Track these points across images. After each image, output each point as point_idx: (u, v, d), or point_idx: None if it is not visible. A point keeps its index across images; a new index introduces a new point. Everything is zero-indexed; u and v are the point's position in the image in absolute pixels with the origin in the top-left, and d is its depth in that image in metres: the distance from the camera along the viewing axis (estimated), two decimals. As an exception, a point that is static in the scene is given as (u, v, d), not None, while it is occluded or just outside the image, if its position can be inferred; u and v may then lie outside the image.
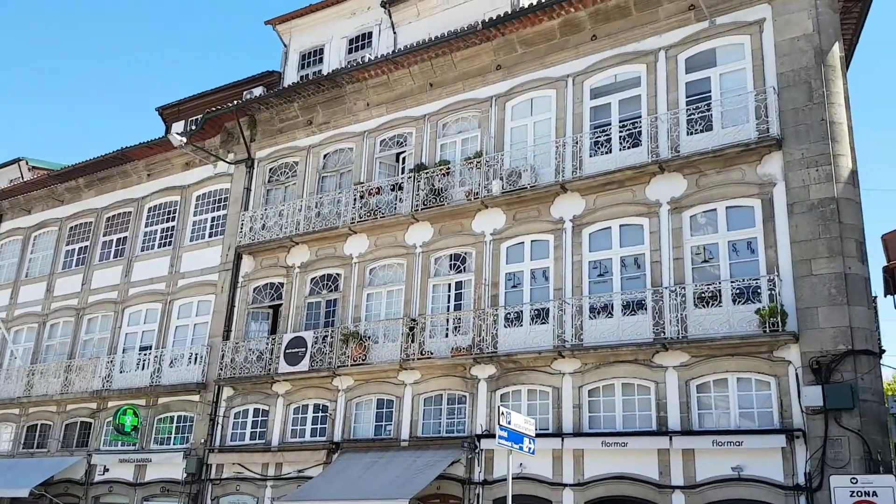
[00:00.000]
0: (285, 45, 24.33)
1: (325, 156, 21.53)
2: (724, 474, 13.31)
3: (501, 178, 17.36)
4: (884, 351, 13.69)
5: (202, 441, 20.21)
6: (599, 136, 16.62)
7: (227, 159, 23.10)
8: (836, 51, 14.89)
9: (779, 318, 13.32)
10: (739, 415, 13.64)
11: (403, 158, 20.21)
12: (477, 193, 17.67)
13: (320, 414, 18.75)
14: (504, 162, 17.76)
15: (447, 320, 17.52)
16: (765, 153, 14.48)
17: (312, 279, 20.32)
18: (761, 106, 14.70)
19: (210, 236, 22.87)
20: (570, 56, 17.70)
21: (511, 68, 18.55)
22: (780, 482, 12.86)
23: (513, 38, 18.31)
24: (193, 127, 23.41)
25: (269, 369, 19.48)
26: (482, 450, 15.91)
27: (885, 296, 38.07)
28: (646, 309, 14.81)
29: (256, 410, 19.89)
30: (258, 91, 22.98)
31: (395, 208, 19.09)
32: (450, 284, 17.97)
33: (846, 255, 13.45)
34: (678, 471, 13.76)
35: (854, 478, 11.81)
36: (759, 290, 13.86)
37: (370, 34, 22.64)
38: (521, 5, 19.36)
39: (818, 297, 13.35)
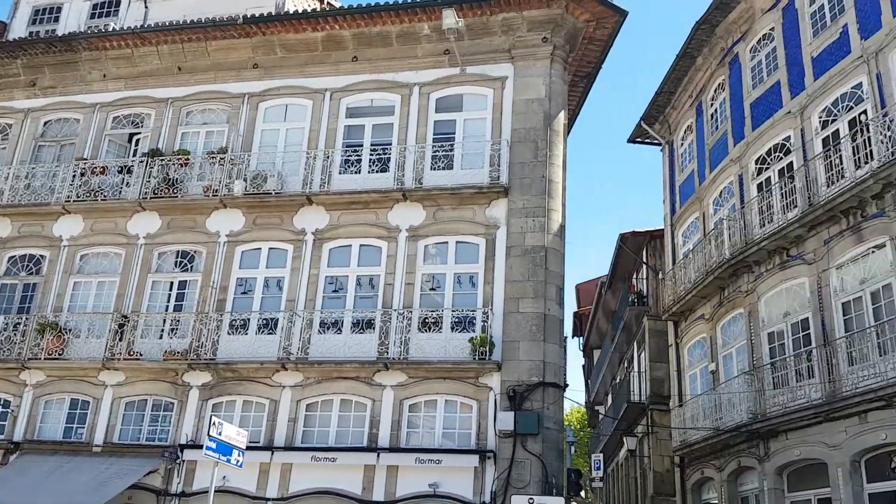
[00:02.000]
0: (15, -6, 21.33)
1: (45, 123, 19.20)
2: (422, 490, 14.07)
3: (245, 179, 16.86)
4: (567, 385, 15.56)
5: None
6: (351, 155, 16.92)
7: (-85, 105, 19.54)
8: (562, 118, 16.83)
9: (487, 348, 14.53)
10: (443, 434, 14.59)
11: (137, 140, 18.76)
12: (217, 191, 16.95)
13: (0, 409, 16.44)
14: (250, 163, 17.29)
15: (164, 321, 16.46)
16: (493, 198, 15.82)
17: (10, 258, 17.88)
18: (495, 155, 16.06)
19: None
20: (330, 71, 17.84)
21: (269, 69, 18.20)
22: (469, 499, 13.92)
23: (274, 40, 18.01)
24: None
25: (-63, 356, 16.69)
26: (184, 461, 15.12)
27: (573, 337, 43.46)
28: (374, 328, 15.29)
29: (-88, 403, 16.88)
30: (-29, 36, 19.83)
31: (121, 192, 17.59)
32: (172, 283, 16.93)
33: (548, 297, 15.12)
34: (381, 486, 14.27)
35: (531, 498, 13.19)
36: (474, 321, 15.02)
37: (118, 2, 20.73)
38: (285, 9, 19.14)
39: (521, 332, 14.82)
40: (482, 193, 15.77)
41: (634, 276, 26.77)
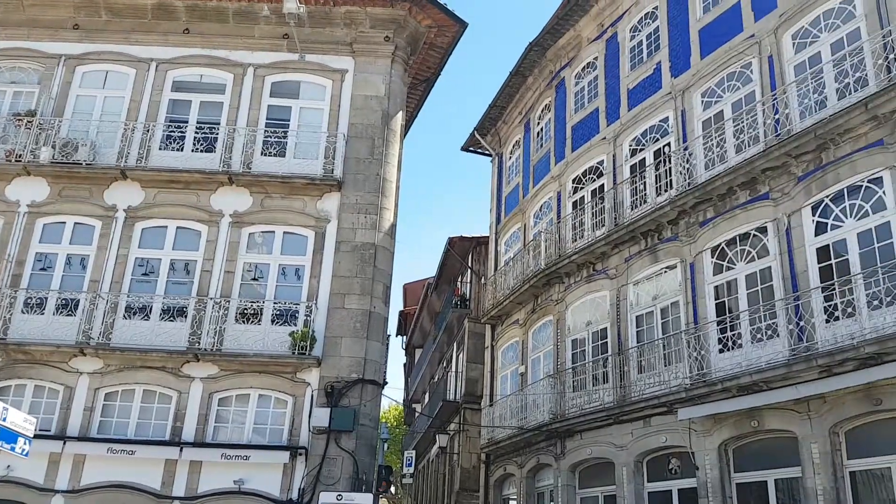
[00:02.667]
0: None
1: None
2: (226, 487, 13.67)
3: (54, 147, 15.53)
4: (386, 383, 15.79)
5: None
6: (174, 131, 16.09)
7: None
8: (399, 118, 17.05)
9: (308, 343, 14.40)
10: (253, 430, 14.25)
11: (-71, 93, 16.71)
12: (20, 156, 15.48)
13: None
14: (61, 129, 15.96)
15: (-54, 295, 14.78)
16: (326, 191, 15.72)
17: None
18: (331, 148, 15.98)
19: None
20: (158, 41, 16.90)
21: (91, 32, 16.91)
22: (276, 496, 13.71)
23: (99, 1, 16.79)
24: None
25: None
26: (-41, 449, 13.65)
27: (397, 335, 43.97)
28: (186, 316, 14.63)
29: None
30: None
31: None
32: (-42, 253, 15.24)
33: (374, 295, 15.26)
34: (182, 482, 13.71)
35: (340, 494, 13.22)
36: (297, 315, 14.82)
37: (-87, -69, 18.32)
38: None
39: (345, 328, 14.83)
40: (314, 185, 15.60)
41: (460, 279, 27.62)
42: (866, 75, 11.69)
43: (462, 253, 25.99)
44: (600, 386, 15.79)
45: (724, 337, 13.12)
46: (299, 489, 13.76)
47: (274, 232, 15.55)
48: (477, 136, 24.12)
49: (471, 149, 25.19)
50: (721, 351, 13.07)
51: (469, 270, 25.88)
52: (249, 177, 15.53)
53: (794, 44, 13.26)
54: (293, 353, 14.36)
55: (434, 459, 29.92)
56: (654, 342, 14.64)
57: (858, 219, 11.42)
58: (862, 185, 11.45)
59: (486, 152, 24.84)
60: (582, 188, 18.34)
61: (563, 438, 16.66)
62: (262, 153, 15.98)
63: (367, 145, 16.21)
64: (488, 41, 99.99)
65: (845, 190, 11.66)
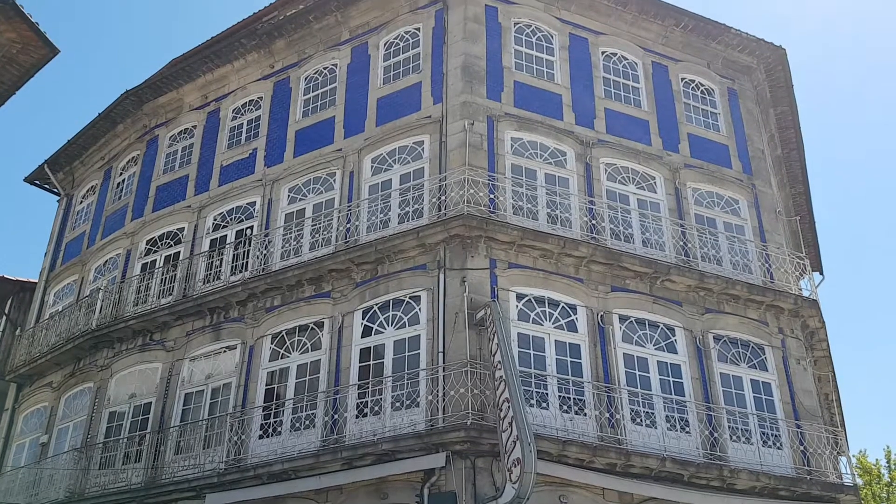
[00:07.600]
0: None
1: None
2: None
3: None
4: None
5: None
6: None
7: None
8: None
9: None
10: None
11: None
12: None
13: None
14: None
15: None
16: None
17: None
18: None
19: None
20: None
21: None
22: None
23: None
24: None
25: None
26: None
27: None
28: None
29: None
30: None
31: None
32: None
33: None
34: None
35: None
36: None
37: None
38: None
39: None
40: None
41: (-10, 325, 23.72)
42: (423, 208, 13.67)
43: (1, 296, 22.48)
44: (131, 465, 14.72)
45: (267, 423, 13.43)
46: None
47: None
48: (47, 170, 21.60)
49: (37, 182, 22.40)
50: (262, 437, 13.33)
51: (5, 318, 22.44)
52: None
53: (372, 166, 14.97)
54: None
55: None
56: (199, 422, 14.29)
57: (397, 328, 13.02)
58: (404, 300, 13.15)
59: (55, 190, 22.33)
60: (156, 251, 17.53)
61: (78, 521, 14.97)
62: None
63: None
64: (87, 72, 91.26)
65: (391, 301, 13.24)
